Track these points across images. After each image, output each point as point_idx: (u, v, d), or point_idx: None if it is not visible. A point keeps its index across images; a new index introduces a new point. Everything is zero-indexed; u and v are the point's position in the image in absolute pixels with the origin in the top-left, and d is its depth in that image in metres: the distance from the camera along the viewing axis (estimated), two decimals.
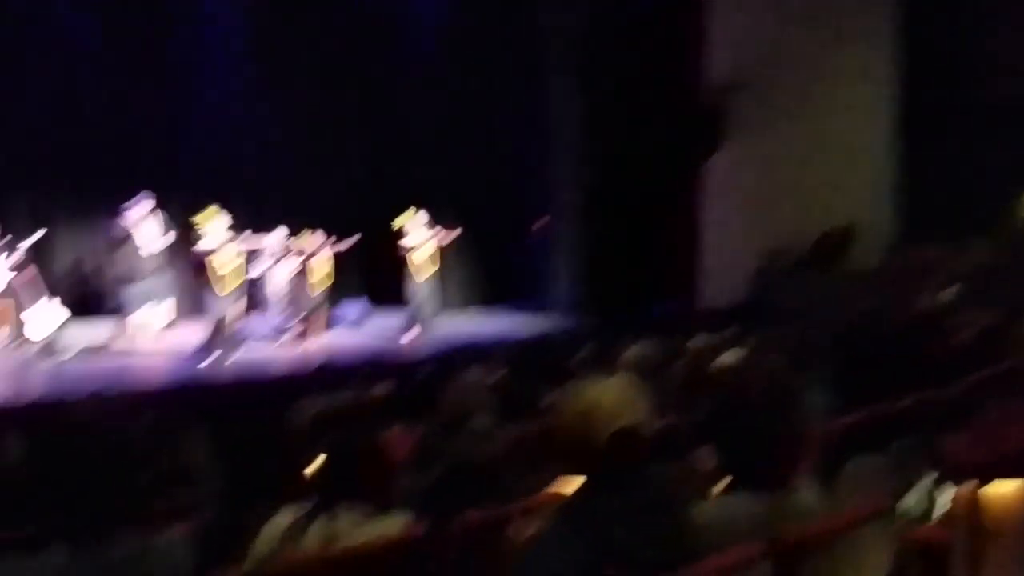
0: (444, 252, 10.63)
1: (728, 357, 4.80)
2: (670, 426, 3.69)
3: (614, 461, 1.98)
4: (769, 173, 10.79)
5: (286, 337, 9.98)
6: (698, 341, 5.47)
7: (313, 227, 10.38)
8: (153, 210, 9.58)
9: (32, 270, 8.99)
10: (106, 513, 1.99)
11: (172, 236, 9.73)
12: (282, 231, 10.25)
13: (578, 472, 2.05)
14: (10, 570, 1.93)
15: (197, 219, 8.74)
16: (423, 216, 10.31)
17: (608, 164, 11.60)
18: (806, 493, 2.20)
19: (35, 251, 9.24)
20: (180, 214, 10.08)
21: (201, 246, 8.61)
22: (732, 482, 2.18)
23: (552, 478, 2.73)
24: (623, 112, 11.46)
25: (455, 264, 12.12)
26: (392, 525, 2.42)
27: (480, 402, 2.92)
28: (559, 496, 2.40)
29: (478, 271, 12.70)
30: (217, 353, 8.59)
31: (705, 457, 2.85)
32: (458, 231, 10.56)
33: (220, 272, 8.59)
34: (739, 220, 10.87)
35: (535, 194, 12.39)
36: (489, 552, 2.21)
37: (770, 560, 1.96)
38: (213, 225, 8.64)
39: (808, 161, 10.61)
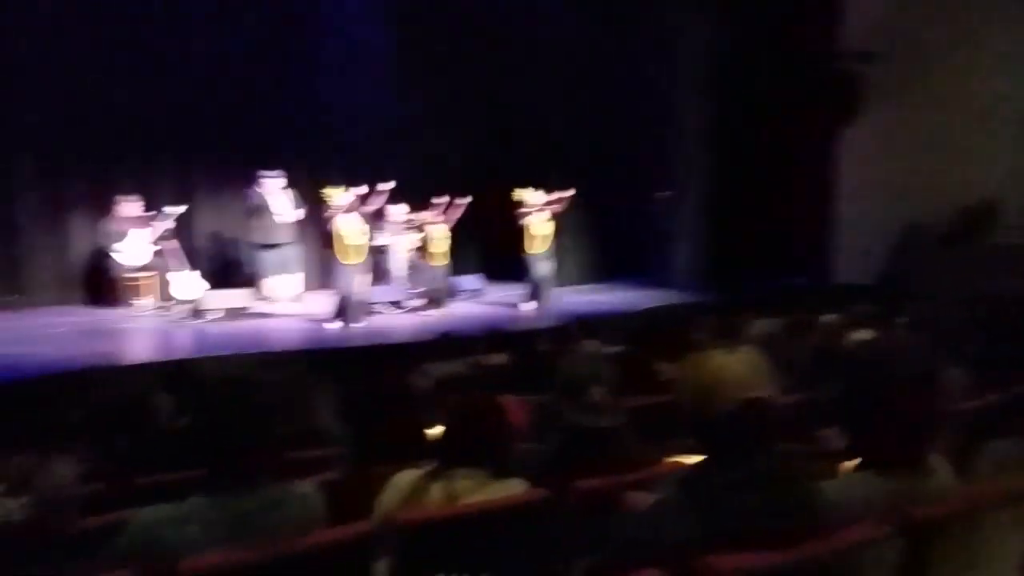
0: (562, 224, 10.60)
1: (862, 334, 4.63)
2: (798, 403, 3.60)
3: (736, 434, 1.94)
4: (908, 144, 10.25)
5: (409, 306, 10.24)
6: (830, 317, 5.28)
7: (432, 203, 10.54)
8: (286, 186, 10.04)
9: (175, 243, 9.61)
10: (244, 464, 2.11)
11: (303, 211, 10.15)
12: (403, 206, 10.47)
13: (699, 444, 2.02)
14: (156, 514, 2.08)
15: (327, 191, 9.05)
16: (540, 190, 10.33)
17: (737, 133, 11.26)
18: (940, 475, 2.11)
19: (178, 225, 9.83)
20: (307, 191, 10.46)
21: (330, 215, 8.92)
22: (863, 462, 2.11)
23: (671, 449, 2.71)
24: (754, 80, 11.08)
25: (575, 238, 12.08)
26: (509, 489, 2.46)
27: (598, 373, 2.91)
28: (678, 466, 2.38)
29: (598, 245, 12.62)
30: (345, 319, 8.92)
31: (833, 436, 2.76)
32: (572, 192, 10.46)
33: (347, 242, 8.88)
34: (875, 193, 10.38)
35: (657, 166, 12.16)
36: (604, 520, 2.22)
37: (902, 540, 1.89)
38: (341, 197, 8.94)
39: (949, 132, 10.01)
